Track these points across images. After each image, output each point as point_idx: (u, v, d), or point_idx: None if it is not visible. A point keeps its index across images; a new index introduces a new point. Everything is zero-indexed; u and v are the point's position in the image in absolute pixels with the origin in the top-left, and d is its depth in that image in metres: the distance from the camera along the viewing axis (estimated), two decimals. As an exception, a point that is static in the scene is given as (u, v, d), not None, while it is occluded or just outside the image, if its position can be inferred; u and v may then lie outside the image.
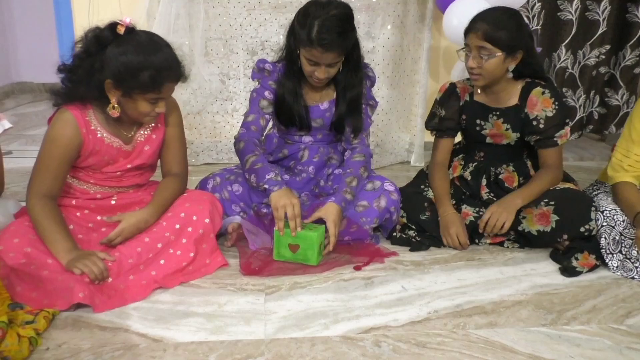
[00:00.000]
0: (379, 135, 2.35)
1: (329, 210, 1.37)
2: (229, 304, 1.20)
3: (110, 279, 1.19)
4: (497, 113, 1.54)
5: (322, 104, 1.50)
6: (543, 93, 1.47)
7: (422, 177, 1.69)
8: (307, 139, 1.56)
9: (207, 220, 1.33)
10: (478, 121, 1.57)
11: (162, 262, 1.27)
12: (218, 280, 1.32)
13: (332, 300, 1.23)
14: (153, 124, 1.30)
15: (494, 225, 1.45)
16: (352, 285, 1.30)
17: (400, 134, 2.45)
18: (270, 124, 1.62)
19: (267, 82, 1.50)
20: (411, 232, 1.57)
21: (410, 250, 1.53)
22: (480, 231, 1.49)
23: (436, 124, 1.64)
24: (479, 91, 1.54)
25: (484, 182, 1.57)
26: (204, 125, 2.38)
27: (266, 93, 1.49)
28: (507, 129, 1.54)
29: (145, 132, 1.31)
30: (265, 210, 1.49)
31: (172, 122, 1.34)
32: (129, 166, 1.29)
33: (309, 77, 1.43)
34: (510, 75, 1.47)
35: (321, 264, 1.38)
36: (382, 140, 2.36)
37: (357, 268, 1.38)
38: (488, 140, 1.57)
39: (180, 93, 2.26)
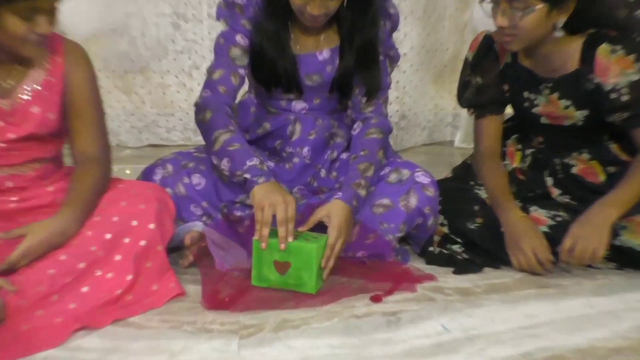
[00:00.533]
0: (405, 102, 2.33)
1: (333, 210, 1.38)
2: (186, 352, 1.20)
3: (2, 320, 1.18)
4: (550, 85, 1.53)
5: (319, 52, 1.52)
6: (613, 51, 1.43)
7: (469, 168, 1.72)
8: (298, 105, 1.58)
9: (152, 227, 1.32)
10: (526, 94, 1.58)
11: (85, 289, 1.27)
12: (170, 316, 1.32)
13: (338, 346, 1.22)
14: (43, 76, 1.29)
15: (581, 256, 1.44)
16: (369, 325, 1.30)
17: (437, 100, 2.43)
18: (246, 85, 1.64)
19: (239, 21, 1.51)
20: (455, 247, 1.58)
21: (455, 272, 1.55)
22: (562, 263, 1.50)
23: (472, 97, 1.65)
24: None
25: (549, 180, 1.60)
26: (149, 89, 2.37)
27: (238, 37, 1.50)
28: (567, 107, 1.54)
29: (32, 87, 1.30)
30: (240, 213, 1.51)
31: (78, 78, 1.34)
32: (11, 136, 1.28)
33: (299, 15, 1.44)
34: (560, 32, 1.45)
35: (322, 292, 1.40)
36: (410, 110, 2.34)
37: (376, 298, 1.39)
38: (544, 120, 1.59)
39: (114, 41, 2.27)
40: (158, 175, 1.52)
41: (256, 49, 1.49)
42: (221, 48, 1.51)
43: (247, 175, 1.37)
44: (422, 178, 1.53)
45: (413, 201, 1.50)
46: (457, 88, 1.71)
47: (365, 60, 1.50)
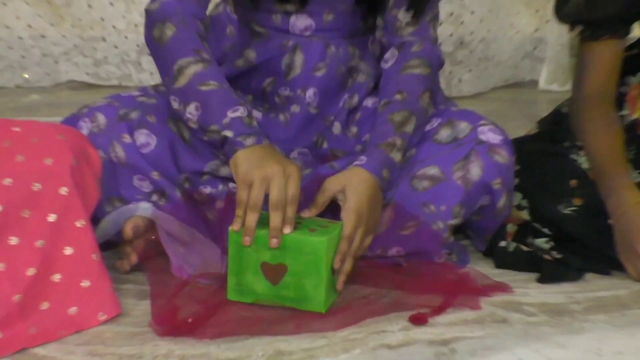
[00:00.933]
0: (463, 21, 2.42)
1: (351, 184, 1.41)
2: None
3: None
4: None
5: None
6: None
7: (564, 121, 1.72)
8: (300, 22, 1.60)
9: (64, 191, 1.32)
10: None
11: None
12: (102, 347, 1.31)
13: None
14: None
15: None
16: (407, 359, 1.29)
17: (513, 18, 2.46)
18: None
19: None
20: (541, 241, 1.58)
21: (540, 280, 1.55)
22: None
23: (581, 6, 1.65)
24: None
25: None
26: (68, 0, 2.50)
27: None
28: None
29: None
30: (210, 190, 1.55)
31: None
32: None
33: None
34: None
35: (334, 309, 1.42)
36: (472, 34, 2.42)
37: (419, 319, 1.39)
38: None
39: None
40: (83, 130, 1.53)
41: None
42: None
43: (228, 133, 1.38)
44: (489, 135, 1.52)
45: (475, 171, 1.50)
46: None
47: None
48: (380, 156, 1.45)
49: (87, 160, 1.38)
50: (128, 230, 1.48)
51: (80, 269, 1.34)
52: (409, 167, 1.51)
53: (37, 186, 1.30)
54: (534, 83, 2.53)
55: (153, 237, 1.48)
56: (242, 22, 1.64)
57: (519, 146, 1.58)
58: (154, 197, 1.53)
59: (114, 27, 2.44)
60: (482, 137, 1.52)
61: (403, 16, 1.58)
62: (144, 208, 1.50)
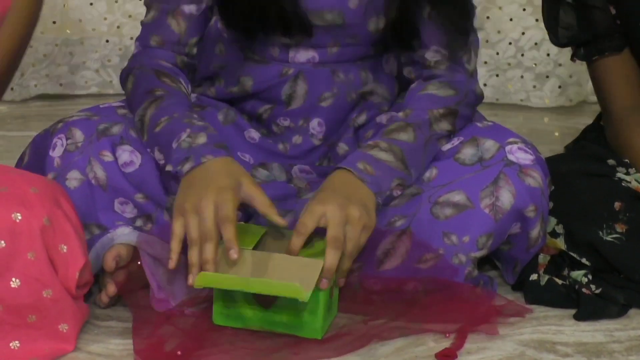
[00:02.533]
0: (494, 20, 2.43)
1: (326, 203, 1.35)
2: None
3: None
4: None
5: None
6: None
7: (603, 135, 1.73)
8: (302, 55, 1.56)
9: (31, 256, 1.27)
10: None
11: None
12: None
13: None
14: None
15: None
16: None
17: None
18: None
19: None
20: (578, 274, 1.52)
21: (577, 316, 1.49)
22: None
23: (573, 31, 1.67)
24: None
25: None
26: None
27: None
28: None
29: None
30: None
31: None
32: None
33: None
34: None
35: (335, 331, 1.39)
36: (508, 36, 2.49)
37: (447, 356, 1.35)
38: None
39: None
40: (57, 148, 1.48)
41: None
42: None
43: (169, 167, 1.39)
44: (518, 155, 1.46)
45: (506, 198, 1.44)
46: (544, 17, 1.71)
47: None
48: (355, 154, 1.42)
49: (65, 216, 1.33)
50: (109, 261, 1.42)
51: (47, 321, 1.31)
52: (429, 191, 1.46)
53: (1, 243, 1.27)
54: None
55: (139, 262, 1.43)
56: (234, 44, 1.58)
57: (555, 165, 1.55)
58: (139, 223, 1.49)
59: (92, 29, 2.45)
60: (511, 157, 1.46)
61: (432, 56, 1.53)
62: (124, 234, 1.46)
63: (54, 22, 2.47)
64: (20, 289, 1.29)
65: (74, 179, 1.44)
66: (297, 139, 1.58)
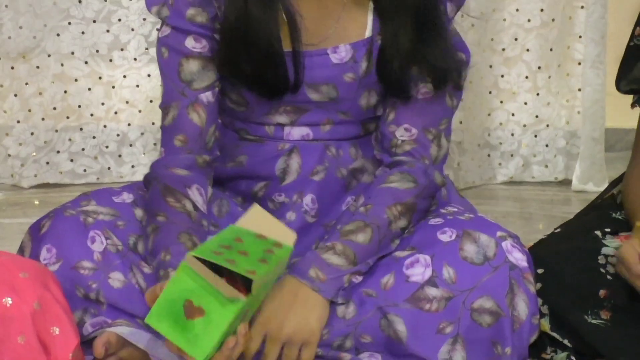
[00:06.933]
0: (477, 102, 2.53)
1: (275, 301, 1.41)
2: None
3: None
4: None
5: (333, 49, 1.54)
6: None
7: (605, 209, 1.70)
8: (296, 132, 1.59)
9: (21, 340, 1.26)
10: None
11: None
12: None
13: None
14: None
15: None
16: None
17: (539, 106, 2.54)
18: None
19: (182, 11, 1.51)
20: (562, 356, 1.52)
21: None
22: None
23: (637, 82, 1.67)
24: None
25: None
26: (38, 86, 2.46)
27: (189, 42, 1.51)
28: None
29: None
30: None
31: None
32: None
33: None
34: None
35: None
36: (493, 123, 2.53)
37: None
38: None
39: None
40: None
41: (226, 35, 1.49)
42: (167, 65, 1.53)
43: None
44: (516, 256, 1.45)
45: (521, 307, 1.42)
46: (622, 61, 1.70)
47: (428, 37, 1.48)
48: (308, 257, 1.42)
49: (54, 299, 1.32)
50: (99, 347, 1.39)
51: None
52: (460, 295, 1.42)
53: None
54: (567, 182, 2.55)
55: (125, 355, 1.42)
56: (228, 127, 1.60)
57: (541, 248, 1.55)
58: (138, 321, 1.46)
59: (91, 115, 2.43)
60: (511, 258, 1.44)
61: (401, 134, 1.52)
62: (119, 326, 1.43)
63: (55, 108, 2.47)
64: None
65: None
66: (290, 215, 1.58)
